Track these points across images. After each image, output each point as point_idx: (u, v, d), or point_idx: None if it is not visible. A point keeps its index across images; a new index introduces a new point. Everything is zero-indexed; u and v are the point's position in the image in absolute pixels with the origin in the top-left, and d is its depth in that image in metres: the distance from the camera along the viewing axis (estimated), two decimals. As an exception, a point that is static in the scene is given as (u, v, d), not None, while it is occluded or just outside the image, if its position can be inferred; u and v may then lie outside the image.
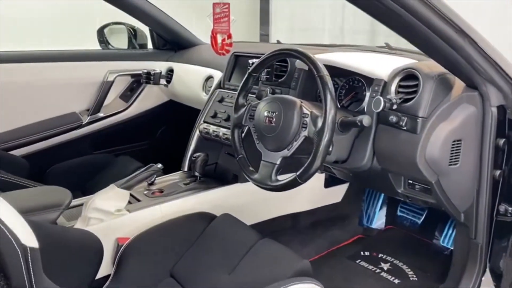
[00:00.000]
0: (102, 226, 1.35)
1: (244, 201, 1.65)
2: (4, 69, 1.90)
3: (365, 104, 1.36)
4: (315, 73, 1.18)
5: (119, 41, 2.41)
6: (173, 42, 2.34)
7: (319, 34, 4.23)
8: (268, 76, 1.58)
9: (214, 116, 1.76)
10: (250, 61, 1.61)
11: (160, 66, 2.29)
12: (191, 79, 2.11)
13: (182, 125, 2.41)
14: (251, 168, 1.35)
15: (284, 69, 1.60)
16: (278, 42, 2.34)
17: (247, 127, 1.38)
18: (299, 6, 4.28)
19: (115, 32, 2.44)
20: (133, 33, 2.40)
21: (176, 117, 2.40)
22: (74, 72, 2.11)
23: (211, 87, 1.96)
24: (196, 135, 1.81)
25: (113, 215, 1.37)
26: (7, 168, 1.79)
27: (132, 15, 2.13)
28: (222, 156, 1.83)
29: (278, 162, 1.26)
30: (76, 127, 2.12)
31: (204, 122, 1.79)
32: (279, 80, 1.59)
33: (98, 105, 2.17)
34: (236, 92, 1.67)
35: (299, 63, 1.53)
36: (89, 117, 2.15)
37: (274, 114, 1.26)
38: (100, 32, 2.39)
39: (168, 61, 2.31)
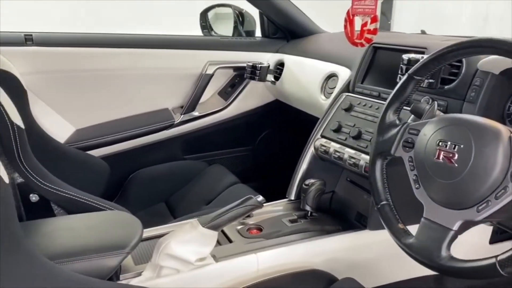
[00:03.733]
0: (178, 279, 0.97)
1: (374, 256, 1.16)
2: (88, 54, 1.64)
3: None
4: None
5: (224, 27, 2.05)
6: (286, 29, 1.91)
7: (453, 23, 3.51)
8: (432, 81, 1.06)
9: (338, 130, 1.28)
10: (405, 56, 1.10)
11: (268, 59, 1.87)
12: (306, 77, 1.65)
13: (290, 133, 1.98)
14: (401, 227, 0.86)
15: (454, 72, 1.06)
16: (423, 32, 1.77)
17: (397, 158, 0.90)
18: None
19: (220, 16, 2.08)
20: (240, 18, 2.01)
21: (283, 122, 1.98)
22: (170, 61, 1.79)
23: (333, 88, 1.49)
24: (309, 153, 1.35)
25: (194, 266, 0.98)
26: (83, 171, 1.52)
27: None
28: (342, 184, 1.36)
29: (455, 228, 0.76)
30: (167, 126, 1.80)
31: (322, 136, 1.33)
32: (446, 88, 1.07)
33: (193, 102, 1.82)
34: (376, 101, 1.21)
35: (484, 64, 0.99)
36: (182, 115, 1.81)
37: (456, 147, 0.76)
38: (203, 16, 2.05)
39: (278, 53, 1.88)
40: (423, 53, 1.13)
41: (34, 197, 1.10)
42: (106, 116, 1.72)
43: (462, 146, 0.75)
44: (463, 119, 0.79)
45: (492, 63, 0.97)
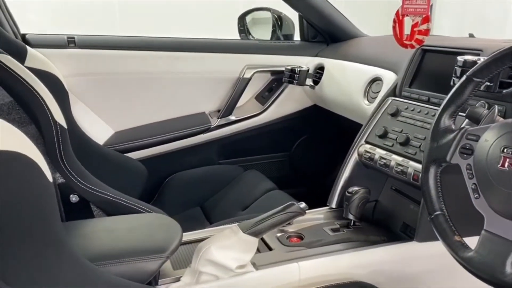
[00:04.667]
0: (218, 286, 0.94)
1: (423, 269, 1.09)
2: (127, 57, 1.65)
3: None
4: None
5: (262, 31, 2.02)
6: (326, 33, 1.86)
7: (498, 28, 3.36)
8: (490, 84, 0.99)
9: (384, 135, 1.22)
10: (461, 58, 1.04)
11: (307, 63, 1.83)
12: (348, 81, 1.60)
13: (328, 139, 1.94)
14: (458, 239, 0.80)
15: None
16: (471, 35, 1.69)
17: (452, 166, 0.84)
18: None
19: (257, 21, 2.06)
20: (279, 22, 1.98)
21: (321, 127, 1.93)
22: (208, 65, 1.77)
23: (377, 93, 1.43)
24: (352, 160, 1.30)
25: (234, 273, 0.95)
26: (121, 173, 1.52)
27: None
28: (387, 193, 1.30)
29: (521, 242, 0.69)
30: (203, 130, 1.78)
31: (367, 142, 1.27)
32: (504, 92, 0.99)
33: (230, 106, 1.80)
34: (426, 106, 1.15)
35: (550, 66, 0.92)
36: (219, 119, 1.80)
37: (524, 154, 0.69)
38: (241, 20, 2.04)
39: (317, 57, 1.84)
40: (478, 55, 1.06)
41: (74, 198, 1.10)
42: (144, 119, 1.73)
43: (531, 153, 0.69)
44: (533, 124, 0.72)
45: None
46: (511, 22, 3.28)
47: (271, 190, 1.60)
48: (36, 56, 1.33)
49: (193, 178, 1.76)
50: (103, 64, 1.64)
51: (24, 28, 1.58)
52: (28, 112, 1.06)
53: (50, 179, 0.64)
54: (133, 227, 0.97)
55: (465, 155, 0.81)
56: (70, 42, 1.57)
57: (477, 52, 1.08)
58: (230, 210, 1.57)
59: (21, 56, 1.21)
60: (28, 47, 1.31)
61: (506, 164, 0.72)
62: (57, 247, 0.62)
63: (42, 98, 1.00)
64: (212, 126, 1.78)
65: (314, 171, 1.94)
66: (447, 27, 3.62)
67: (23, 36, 1.55)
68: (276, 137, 1.92)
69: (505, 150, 0.72)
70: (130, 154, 1.63)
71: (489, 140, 0.76)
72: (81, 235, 0.92)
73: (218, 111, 1.82)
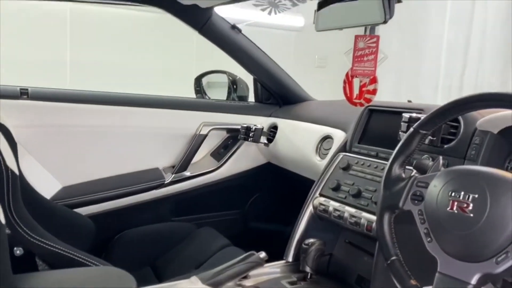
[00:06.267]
0: None
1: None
2: (81, 110, 1.63)
3: None
4: None
5: (218, 93, 2.09)
6: (279, 96, 1.96)
7: (428, 90, 3.61)
8: (433, 139, 1.09)
9: (337, 188, 1.28)
10: (406, 114, 1.13)
11: (261, 122, 1.90)
12: (300, 139, 1.67)
13: (281, 196, 1.96)
14: (414, 283, 0.83)
15: (452, 131, 1.10)
16: (409, 101, 1.85)
17: (406, 212, 0.89)
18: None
19: (213, 85, 2.14)
20: (234, 85, 2.07)
21: (275, 184, 1.96)
22: (164, 121, 1.79)
23: (328, 149, 1.51)
24: (308, 213, 1.33)
25: (190, 327, 0.91)
26: (69, 229, 1.44)
27: (240, 62, 1.82)
28: (341, 246, 1.32)
29: (473, 282, 0.73)
30: (157, 185, 1.75)
31: (321, 195, 1.31)
32: (446, 146, 1.09)
33: (185, 162, 1.80)
34: (375, 160, 1.23)
35: (483, 124, 1.03)
36: (173, 175, 1.78)
37: (470, 197, 0.76)
38: (198, 81, 2.10)
39: (271, 117, 1.92)
40: (420, 113, 1.17)
41: (18, 251, 1.02)
42: (95, 173, 1.67)
43: (476, 196, 0.75)
44: (475, 169, 0.80)
45: (491, 122, 1.01)
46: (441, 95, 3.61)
47: (226, 246, 1.58)
48: (-14, 105, 1.29)
49: (144, 235, 1.70)
50: (55, 117, 1.61)
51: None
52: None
53: (3, 220, 0.61)
54: (85, 280, 0.91)
55: (416, 201, 0.86)
56: (23, 94, 1.54)
57: (419, 111, 1.19)
58: (183, 268, 1.51)
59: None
60: None
61: (455, 207, 0.77)
62: None
63: None
64: (166, 182, 1.76)
65: (268, 227, 1.94)
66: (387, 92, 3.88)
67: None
68: (230, 194, 1.92)
69: (452, 194, 0.78)
70: (79, 210, 1.55)
71: (437, 185, 0.82)
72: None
73: (173, 166, 1.81)
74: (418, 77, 3.61)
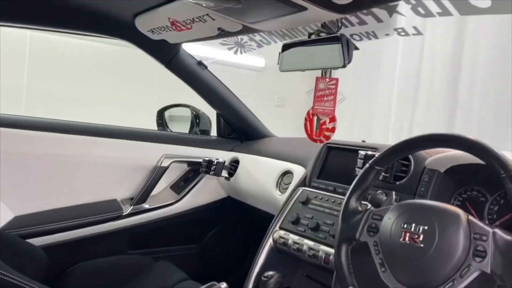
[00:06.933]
0: None
1: None
2: (37, 138, 1.59)
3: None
4: (502, 173, 0.76)
5: (180, 126, 2.12)
6: (241, 131, 2.01)
7: (380, 131, 3.79)
8: (386, 175, 1.16)
9: (296, 222, 1.32)
10: (362, 151, 1.21)
11: (222, 156, 1.93)
12: (261, 173, 1.72)
13: (241, 230, 1.98)
14: (370, 311, 0.87)
15: (404, 169, 1.18)
16: (363, 141, 1.95)
17: (361, 244, 0.94)
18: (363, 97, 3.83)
19: (175, 118, 2.16)
20: (197, 119, 2.10)
21: (234, 219, 1.97)
22: (125, 152, 1.78)
23: (288, 184, 1.56)
24: (268, 245, 1.35)
25: None
26: (20, 261, 1.38)
27: (204, 96, 1.86)
28: (298, 280, 1.35)
29: (424, 309, 0.78)
30: (114, 217, 1.72)
31: (281, 228, 1.35)
32: (398, 183, 1.17)
33: (144, 194, 1.79)
34: (332, 195, 1.29)
35: (432, 163, 1.12)
36: (131, 207, 1.76)
37: (420, 229, 0.82)
38: (160, 114, 2.12)
39: (233, 151, 1.96)
40: (375, 151, 1.25)
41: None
42: (51, 203, 1.62)
43: (426, 227, 0.81)
44: (425, 204, 0.86)
45: (438, 161, 1.10)
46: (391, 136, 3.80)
47: (183, 280, 1.55)
48: None
49: (99, 268, 1.64)
50: (10, 144, 1.57)
51: None
52: None
53: None
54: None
55: (371, 233, 0.92)
56: (-24, 120, 1.50)
57: (373, 149, 1.27)
58: (138, 303, 1.48)
59: None
60: None
61: (407, 237, 0.83)
62: None
63: None
64: (124, 214, 1.73)
65: (226, 262, 1.93)
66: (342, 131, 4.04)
67: None
68: (189, 228, 1.91)
69: (405, 226, 0.84)
70: (32, 240, 1.49)
71: (391, 218, 0.88)
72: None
73: (131, 198, 1.79)
74: (371, 119, 3.79)
